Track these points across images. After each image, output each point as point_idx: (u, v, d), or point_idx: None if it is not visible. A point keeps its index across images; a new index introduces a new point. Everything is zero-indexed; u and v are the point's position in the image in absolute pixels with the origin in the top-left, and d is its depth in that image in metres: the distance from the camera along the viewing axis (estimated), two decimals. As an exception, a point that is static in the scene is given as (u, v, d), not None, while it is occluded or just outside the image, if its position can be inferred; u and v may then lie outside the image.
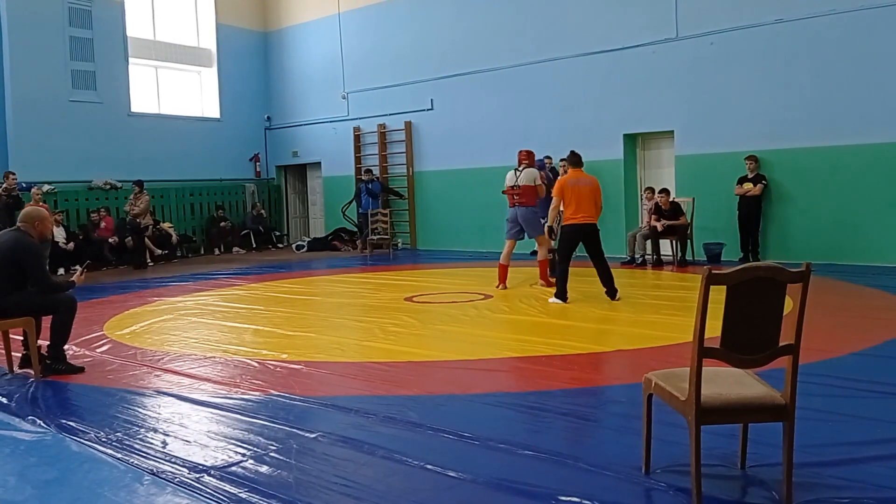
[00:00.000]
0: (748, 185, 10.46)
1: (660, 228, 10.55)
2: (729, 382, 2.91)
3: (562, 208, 7.69)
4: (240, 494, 3.07)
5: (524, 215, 8.86)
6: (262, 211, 17.08)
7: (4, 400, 4.74)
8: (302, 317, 7.63)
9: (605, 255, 7.75)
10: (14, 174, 11.54)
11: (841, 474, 3.06)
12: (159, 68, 16.04)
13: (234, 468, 3.38)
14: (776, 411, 2.78)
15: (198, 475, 3.31)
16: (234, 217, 16.65)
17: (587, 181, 7.70)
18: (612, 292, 7.67)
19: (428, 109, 14.57)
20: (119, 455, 3.59)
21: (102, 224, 13.55)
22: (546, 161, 11.82)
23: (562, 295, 7.62)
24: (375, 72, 15.26)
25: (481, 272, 10.53)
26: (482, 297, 8.32)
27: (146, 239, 13.61)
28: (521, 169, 8.93)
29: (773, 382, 2.92)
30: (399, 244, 15.09)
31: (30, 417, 4.30)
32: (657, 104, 11.56)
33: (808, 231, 10.30)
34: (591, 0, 12.19)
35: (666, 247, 10.99)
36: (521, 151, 9.19)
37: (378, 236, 14.03)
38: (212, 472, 3.34)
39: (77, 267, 10.88)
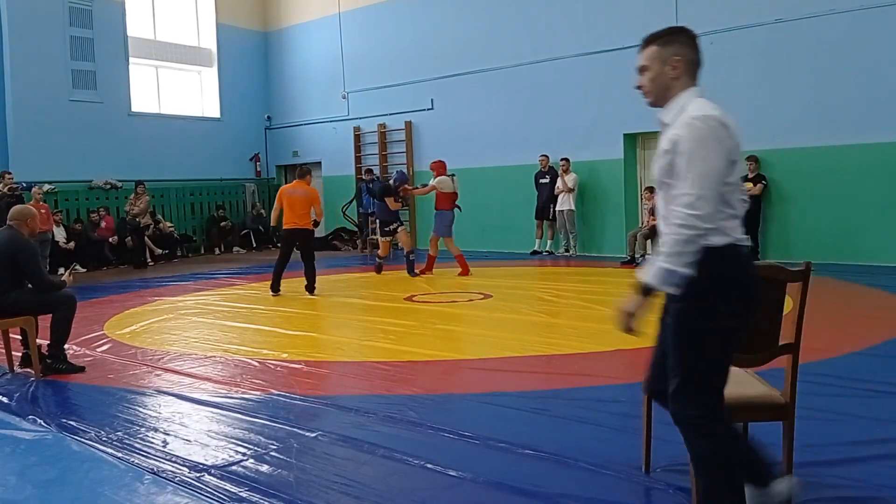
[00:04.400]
0: (748, 185, 10.45)
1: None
2: (728, 382, 2.90)
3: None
4: (240, 493, 3.08)
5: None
6: (263, 211, 17.05)
7: (5, 399, 4.74)
8: (302, 316, 7.64)
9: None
10: (10, 174, 11.52)
11: (841, 474, 3.07)
12: (159, 68, 16.04)
13: (234, 467, 3.39)
14: (776, 410, 2.78)
15: (198, 474, 3.31)
16: (234, 217, 16.65)
17: (302, 191, 8.99)
18: (311, 289, 8.99)
19: (428, 109, 14.57)
20: (119, 454, 3.60)
21: (102, 224, 13.55)
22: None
23: (276, 288, 9.01)
24: (375, 72, 15.25)
25: (481, 272, 10.54)
26: (482, 296, 8.32)
27: (146, 238, 13.61)
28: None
29: (773, 382, 2.92)
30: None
31: (30, 417, 4.30)
32: (657, 104, 11.53)
33: (807, 231, 10.30)
34: (590, 0, 12.19)
35: (666, 246, 10.97)
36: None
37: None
38: (212, 472, 3.34)
39: (78, 267, 10.86)
